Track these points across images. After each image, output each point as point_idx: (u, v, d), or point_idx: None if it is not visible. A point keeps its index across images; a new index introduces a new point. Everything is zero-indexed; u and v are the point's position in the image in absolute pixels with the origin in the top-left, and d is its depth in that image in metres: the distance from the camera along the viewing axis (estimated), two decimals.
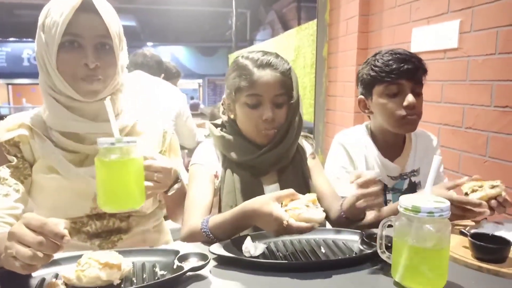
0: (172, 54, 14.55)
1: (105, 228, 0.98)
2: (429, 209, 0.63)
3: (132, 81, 2.16)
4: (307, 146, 1.22)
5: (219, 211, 1.04)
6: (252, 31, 11.02)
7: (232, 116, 1.12)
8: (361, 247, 0.86)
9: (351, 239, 0.90)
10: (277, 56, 1.08)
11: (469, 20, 1.66)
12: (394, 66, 1.17)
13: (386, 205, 1.25)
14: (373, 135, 1.29)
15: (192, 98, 12.48)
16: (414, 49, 1.97)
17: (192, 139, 2.40)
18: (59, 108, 0.91)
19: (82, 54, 0.87)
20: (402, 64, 1.16)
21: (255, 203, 0.82)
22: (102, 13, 0.87)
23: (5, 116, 0.99)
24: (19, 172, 0.92)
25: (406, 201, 0.66)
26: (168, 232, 1.17)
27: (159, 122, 1.08)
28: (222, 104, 1.16)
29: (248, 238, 0.83)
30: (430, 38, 1.90)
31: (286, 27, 10.20)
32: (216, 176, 1.08)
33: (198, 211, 0.98)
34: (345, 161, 1.27)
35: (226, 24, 13.34)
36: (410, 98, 1.16)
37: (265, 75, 1.03)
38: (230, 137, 1.09)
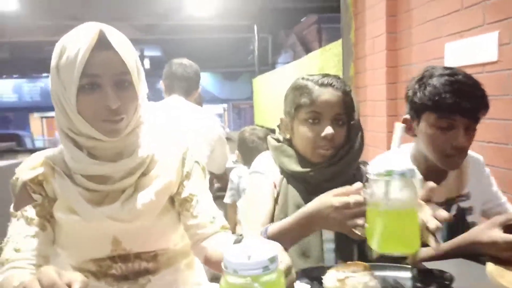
0: None
1: (131, 270, 0.93)
2: (402, 171, 0.66)
3: (169, 111, 2.06)
4: (364, 172, 1.16)
5: (272, 220, 1.03)
6: (274, 55, 11.15)
7: (288, 136, 1.11)
8: (418, 285, 0.78)
9: (403, 276, 0.82)
10: (338, 78, 1.08)
11: (507, 31, 1.57)
12: (450, 101, 1.01)
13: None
14: (414, 159, 1.20)
15: None
16: (448, 64, 1.88)
17: (224, 164, 2.34)
18: (78, 153, 0.87)
19: (102, 95, 0.83)
20: (460, 100, 1.00)
21: (314, 203, 0.81)
22: (118, 49, 0.82)
23: (41, 148, 1.00)
24: (45, 210, 0.90)
25: (376, 167, 0.68)
26: (202, 269, 1.10)
27: (178, 148, 1.00)
28: (278, 126, 1.16)
29: None
30: (465, 52, 1.81)
31: (307, 49, 10.25)
32: (275, 185, 1.09)
33: (258, 220, 1.00)
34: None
35: (248, 49, 13.57)
36: (461, 138, 1.03)
37: (326, 93, 1.03)
38: (287, 148, 1.10)
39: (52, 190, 0.90)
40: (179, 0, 6.42)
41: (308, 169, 1.05)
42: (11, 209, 0.90)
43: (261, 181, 1.09)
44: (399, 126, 0.83)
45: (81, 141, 0.86)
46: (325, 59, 3.42)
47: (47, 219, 0.90)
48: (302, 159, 1.07)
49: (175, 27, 9.13)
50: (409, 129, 1.16)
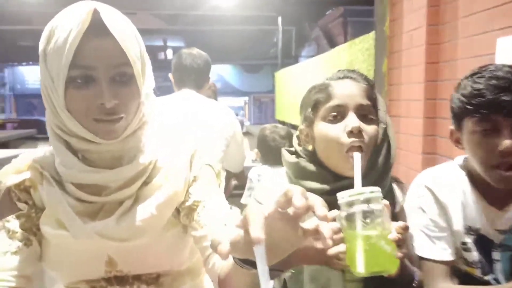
0: (218, 72, 14.74)
1: None
2: (370, 189, 0.67)
3: (180, 105, 1.92)
4: (399, 194, 0.98)
5: None
6: (297, 47, 10.96)
7: (310, 148, 0.93)
8: None
9: None
10: (358, 72, 0.93)
11: None
12: (487, 97, 0.88)
13: (490, 265, 0.96)
14: (471, 175, 1.00)
15: (236, 115, 12.56)
16: (500, 61, 1.65)
17: (241, 163, 2.19)
18: (70, 157, 0.74)
19: (96, 91, 0.69)
20: (499, 95, 0.86)
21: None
22: (117, 34, 0.68)
23: None
24: (31, 222, 0.76)
25: (344, 193, 0.68)
26: None
27: (185, 150, 0.84)
28: (297, 137, 0.99)
29: None
30: None
31: (332, 43, 10.03)
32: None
33: None
34: (433, 211, 0.99)
35: (271, 42, 13.41)
36: (507, 142, 0.86)
37: (345, 83, 0.89)
38: (306, 164, 0.93)
39: (40, 199, 0.77)
40: None
41: (331, 185, 0.87)
42: None
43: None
44: (357, 157, 0.80)
45: (73, 143, 0.73)
46: (354, 53, 3.20)
47: (33, 232, 0.77)
48: (326, 175, 0.89)
49: (199, 18, 9.03)
50: (457, 142, 0.99)
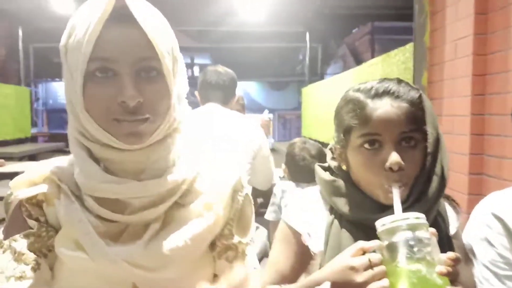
0: (243, 89, 14.82)
1: None
2: (415, 215, 0.60)
3: (205, 118, 1.87)
4: (451, 213, 0.84)
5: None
6: (323, 65, 10.90)
7: (344, 167, 0.83)
8: None
9: None
10: (399, 81, 0.78)
11: None
12: None
13: None
14: None
15: None
16: None
17: (268, 180, 2.09)
18: (90, 165, 0.64)
19: (117, 87, 0.60)
20: None
21: (329, 266, 0.69)
22: (144, 23, 0.59)
23: None
24: (41, 242, 0.66)
25: (385, 219, 0.61)
26: None
27: (229, 176, 0.74)
28: (331, 150, 0.88)
29: None
30: None
31: (358, 60, 9.91)
32: (309, 235, 0.84)
33: (271, 277, 0.85)
34: (503, 245, 0.84)
35: (296, 59, 13.41)
36: None
37: (383, 105, 0.74)
38: (343, 184, 0.82)
39: (55, 216, 0.66)
40: (232, 6, 6.30)
41: (371, 215, 0.76)
42: None
43: (286, 231, 0.87)
44: (396, 192, 0.70)
45: (94, 150, 0.64)
46: (388, 67, 3.06)
47: (42, 253, 0.66)
48: (364, 199, 0.79)
49: (226, 35, 9.11)
50: None
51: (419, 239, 0.58)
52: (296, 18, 7.13)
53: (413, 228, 0.58)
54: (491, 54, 1.95)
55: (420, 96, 0.77)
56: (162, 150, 0.65)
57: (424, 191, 0.76)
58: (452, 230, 0.83)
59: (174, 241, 0.64)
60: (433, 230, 0.62)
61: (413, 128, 0.74)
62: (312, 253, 0.83)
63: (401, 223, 0.59)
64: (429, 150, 0.77)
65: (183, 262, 0.66)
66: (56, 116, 15.82)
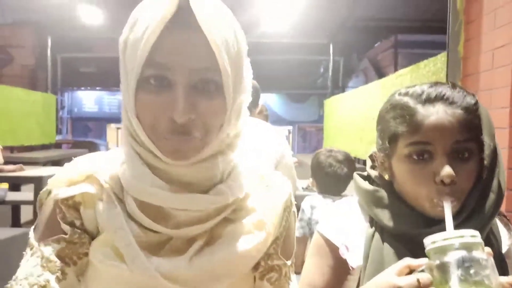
0: (264, 101, 14.88)
1: None
2: (470, 232, 0.53)
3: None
4: (502, 230, 0.76)
5: None
6: (344, 78, 10.85)
7: (387, 177, 0.76)
8: None
9: None
10: (453, 86, 0.70)
11: None
12: None
13: None
14: None
15: None
16: None
17: (293, 190, 2.02)
18: (141, 167, 0.59)
19: (168, 99, 0.54)
20: None
21: (373, 285, 0.61)
22: (207, 28, 0.52)
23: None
24: (72, 249, 0.60)
25: (435, 236, 0.54)
26: None
27: (280, 192, 0.68)
28: (371, 157, 0.81)
29: None
30: None
31: (380, 74, 9.82)
32: (347, 248, 0.78)
33: None
34: None
35: (318, 72, 13.39)
36: None
37: (436, 112, 0.67)
38: (385, 195, 0.75)
39: (93, 220, 0.60)
40: (255, 17, 6.33)
41: (416, 230, 0.70)
42: (30, 233, 0.61)
43: (322, 245, 0.80)
44: (448, 206, 0.63)
45: (143, 155, 0.59)
46: (417, 78, 2.98)
47: (73, 261, 0.60)
48: (409, 212, 0.72)
49: (248, 46, 9.15)
50: None
51: (475, 260, 0.51)
52: (319, 30, 7.12)
53: (468, 247, 0.52)
54: None
55: (476, 103, 0.70)
56: (211, 168, 0.59)
57: (478, 208, 0.69)
58: (504, 248, 0.76)
59: (219, 258, 0.59)
60: (489, 250, 0.55)
61: (468, 138, 0.67)
62: (350, 268, 0.77)
63: (455, 241, 0.52)
64: (485, 162, 0.69)
65: (226, 281, 0.61)
66: (80, 124, 16.21)
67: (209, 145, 0.57)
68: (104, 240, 0.59)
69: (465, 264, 0.50)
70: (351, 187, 1.91)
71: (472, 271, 0.50)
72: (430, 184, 0.66)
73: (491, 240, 0.72)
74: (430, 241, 0.54)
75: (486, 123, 0.70)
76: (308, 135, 16.46)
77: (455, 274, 0.51)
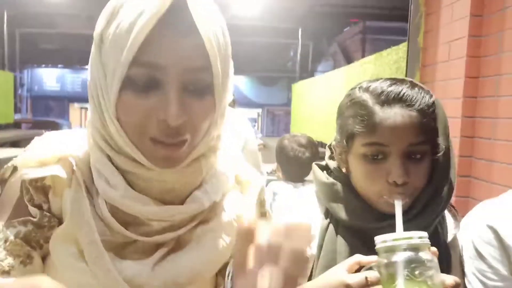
0: (234, 84, 14.78)
1: None
2: (418, 234, 0.55)
3: None
4: (449, 219, 0.81)
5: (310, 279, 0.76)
6: (314, 62, 10.93)
7: (344, 170, 0.77)
8: None
9: None
10: (412, 85, 0.71)
11: None
12: None
13: None
14: None
15: None
16: None
17: None
18: (113, 173, 0.55)
19: (159, 101, 0.50)
20: None
21: (321, 280, 0.64)
22: (204, 28, 0.49)
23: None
24: (40, 232, 0.55)
25: (385, 236, 0.56)
26: None
27: (253, 181, 0.67)
28: (330, 147, 0.82)
29: None
30: None
31: (349, 59, 9.96)
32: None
33: None
34: (494, 256, 0.82)
35: (287, 55, 13.40)
36: None
37: (393, 115, 0.68)
38: (341, 189, 0.77)
39: (59, 207, 0.56)
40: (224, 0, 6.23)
41: (369, 224, 0.73)
42: None
43: None
44: (399, 204, 0.65)
45: (120, 162, 0.55)
46: (381, 66, 3.06)
47: (39, 244, 0.56)
48: (363, 206, 0.74)
49: None
50: None
51: (421, 261, 0.54)
52: (289, 14, 7.10)
53: (415, 248, 0.55)
54: (485, 57, 1.96)
55: (433, 103, 0.70)
56: (193, 172, 0.56)
57: (429, 204, 0.72)
58: (449, 237, 0.81)
59: (183, 266, 0.57)
60: (434, 249, 0.57)
61: (422, 140, 0.68)
62: None
63: (403, 242, 0.55)
64: (439, 162, 0.71)
65: (191, 286, 0.59)
66: (41, 103, 15.50)
67: (197, 148, 0.54)
68: (66, 232, 0.55)
69: (411, 265, 0.53)
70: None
71: (417, 272, 0.53)
72: (383, 183, 0.69)
73: (437, 229, 0.76)
74: (381, 240, 0.56)
75: (442, 124, 0.71)
76: (277, 118, 16.56)
77: (401, 274, 0.53)
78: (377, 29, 9.38)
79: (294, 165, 1.90)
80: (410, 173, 0.68)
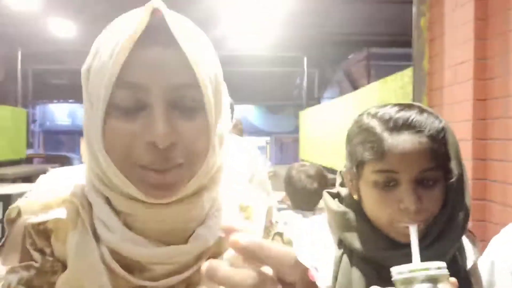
0: (242, 112, 14.90)
1: None
2: (436, 264, 0.51)
3: None
4: (468, 246, 0.78)
5: None
6: (320, 90, 11.04)
7: (355, 197, 0.76)
8: None
9: None
10: (421, 110, 0.70)
11: None
12: None
13: None
14: None
15: None
16: None
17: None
18: (109, 216, 0.52)
19: (145, 122, 0.47)
20: None
21: None
22: (184, 44, 0.47)
23: None
24: (43, 278, 0.53)
25: (402, 267, 0.52)
26: None
27: (261, 218, 0.62)
28: (341, 174, 0.81)
29: None
30: None
31: (354, 85, 10.05)
32: (316, 271, 0.76)
33: None
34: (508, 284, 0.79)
35: (293, 83, 13.57)
36: None
37: (402, 142, 0.67)
38: (354, 218, 0.74)
39: (63, 251, 0.53)
40: (229, 30, 6.39)
41: (387, 254, 0.70)
42: None
43: None
44: (414, 230, 0.63)
45: (114, 200, 0.52)
46: (387, 91, 3.06)
47: None
48: (376, 235, 0.72)
49: (222, 59, 9.20)
50: None
51: None
52: (293, 43, 7.24)
53: (434, 280, 0.52)
54: (491, 80, 1.96)
55: (443, 128, 0.69)
56: (195, 208, 0.52)
57: (445, 230, 0.70)
58: (469, 264, 0.78)
59: None
60: (454, 280, 0.55)
61: (433, 166, 0.67)
62: None
63: (421, 274, 0.52)
64: (453, 187, 0.70)
65: None
66: (53, 137, 15.77)
67: (195, 177, 0.50)
68: (71, 277, 0.52)
69: None
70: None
71: None
72: (395, 209, 0.67)
73: (456, 257, 0.73)
74: (397, 271, 0.54)
75: (453, 148, 0.70)
76: (285, 146, 16.57)
77: None
78: (382, 56, 9.48)
79: (302, 195, 1.89)
80: (423, 199, 0.67)
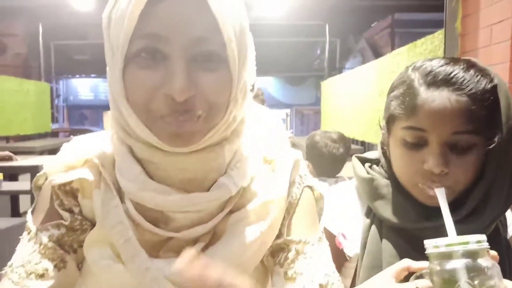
0: (262, 84, 14.79)
1: None
2: (476, 238, 0.48)
3: None
4: (509, 216, 0.74)
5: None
6: (341, 59, 10.77)
7: (388, 154, 0.71)
8: None
9: None
10: (468, 67, 0.63)
11: None
12: None
13: None
14: None
15: None
16: None
17: None
18: (131, 165, 0.53)
19: (164, 74, 0.47)
20: None
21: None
22: None
23: None
24: (73, 236, 0.56)
25: (437, 241, 0.49)
26: None
27: (283, 164, 0.60)
28: (382, 143, 0.75)
29: None
30: None
31: (377, 54, 9.75)
32: (344, 236, 0.74)
33: None
34: None
35: (314, 54, 13.28)
36: None
37: (438, 98, 0.61)
38: (382, 182, 0.71)
39: (91, 209, 0.56)
40: (249, 0, 6.22)
41: (415, 224, 0.66)
42: (28, 215, 0.57)
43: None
44: (441, 193, 0.59)
45: (136, 149, 0.52)
46: (415, 56, 2.93)
47: (73, 249, 0.56)
48: (409, 204, 0.67)
49: None
50: None
51: (481, 269, 0.48)
52: (315, 11, 7.00)
53: (473, 255, 0.49)
54: None
55: (491, 89, 0.61)
56: (216, 158, 0.52)
57: (484, 204, 0.64)
58: (510, 232, 0.73)
59: (223, 257, 0.53)
60: (494, 253, 0.52)
61: (470, 130, 0.60)
62: (347, 256, 0.75)
63: (459, 248, 0.49)
64: (495, 156, 0.63)
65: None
66: (77, 112, 16.14)
67: (215, 128, 0.50)
68: (99, 234, 0.54)
69: (469, 273, 0.47)
70: (345, 168, 1.89)
71: (476, 281, 0.47)
72: (419, 170, 0.63)
73: (497, 226, 0.68)
74: (432, 245, 0.50)
75: (504, 111, 0.62)
76: (306, 118, 16.43)
77: (458, 283, 0.48)
78: (406, 22, 9.12)
79: (327, 161, 1.85)
80: (452, 165, 0.61)
